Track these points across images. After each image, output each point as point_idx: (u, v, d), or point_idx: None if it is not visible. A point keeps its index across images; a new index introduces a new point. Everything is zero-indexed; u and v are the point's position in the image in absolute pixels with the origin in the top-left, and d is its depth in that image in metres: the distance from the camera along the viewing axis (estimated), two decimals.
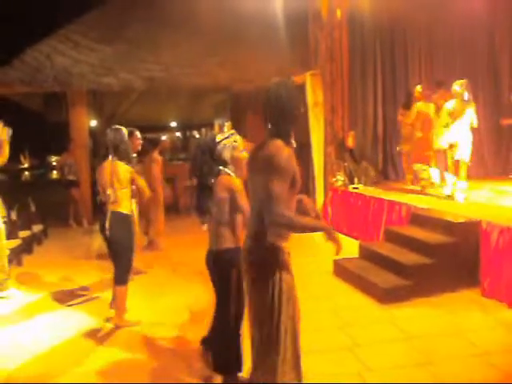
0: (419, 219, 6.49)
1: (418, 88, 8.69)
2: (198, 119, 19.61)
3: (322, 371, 3.75)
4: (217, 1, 9.91)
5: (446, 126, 7.16)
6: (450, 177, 7.36)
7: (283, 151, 2.57)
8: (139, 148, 6.10)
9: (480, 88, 10.29)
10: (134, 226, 4.99)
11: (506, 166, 10.55)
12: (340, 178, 9.04)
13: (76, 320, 5.11)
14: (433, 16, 10.13)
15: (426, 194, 7.79)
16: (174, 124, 23.40)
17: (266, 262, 2.66)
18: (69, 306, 5.57)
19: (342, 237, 9.14)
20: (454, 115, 7.11)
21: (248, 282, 2.77)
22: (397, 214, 7.16)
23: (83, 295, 5.90)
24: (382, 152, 10.36)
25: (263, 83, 3.15)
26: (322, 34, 9.34)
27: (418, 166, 8.19)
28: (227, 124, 5.51)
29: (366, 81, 10.24)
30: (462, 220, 5.87)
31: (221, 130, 5.53)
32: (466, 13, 9.81)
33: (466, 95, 7.10)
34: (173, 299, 5.62)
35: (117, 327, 4.81)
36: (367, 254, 6.35)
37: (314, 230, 2.73)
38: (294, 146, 2.71)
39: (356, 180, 8.98)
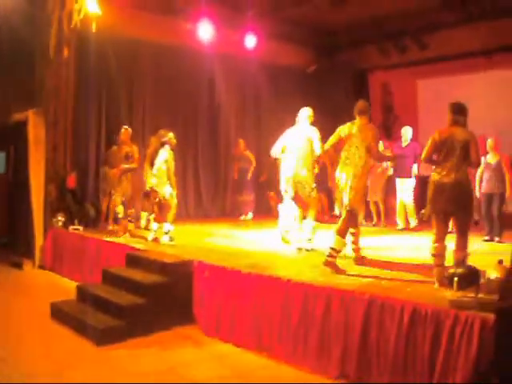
0: (136, 260, 6.75)
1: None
2: None
3: None
4: None
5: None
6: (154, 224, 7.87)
7: None
8: None
9: (200, 136, 11.81)
10: None
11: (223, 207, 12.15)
12: (60, 219, 8.86)
13: None
14: (158, 67, 10.84)
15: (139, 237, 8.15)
16: None
17: None
18: None
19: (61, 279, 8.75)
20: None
21: None
22: (115, 255, 7.31)
23: None
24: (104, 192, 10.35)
25: None
26: (48, 71, 9.16)
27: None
28: None
29: (91, 121, 10.12)
30: (175, 260, 6.33)
31: None
32: (191, 67, 10.89)
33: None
34: None
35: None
36: (85, 296, 6.34)
37: None
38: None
39: (76, 221, 8.90)
